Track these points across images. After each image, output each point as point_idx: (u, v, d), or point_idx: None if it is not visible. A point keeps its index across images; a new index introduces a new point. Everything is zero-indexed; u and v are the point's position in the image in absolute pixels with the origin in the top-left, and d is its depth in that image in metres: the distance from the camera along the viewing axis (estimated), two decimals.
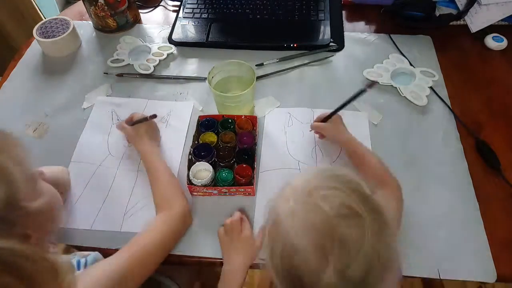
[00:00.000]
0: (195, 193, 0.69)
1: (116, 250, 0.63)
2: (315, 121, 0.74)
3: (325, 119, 0.71)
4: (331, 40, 0.93)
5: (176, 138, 0.78)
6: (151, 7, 1.07)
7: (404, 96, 0.82)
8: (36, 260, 0.39)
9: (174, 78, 0.89)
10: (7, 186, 0.44)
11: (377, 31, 0.98)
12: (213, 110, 0.81)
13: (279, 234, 0.41)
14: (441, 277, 0.60)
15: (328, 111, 0.70)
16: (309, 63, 0.91)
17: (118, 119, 0.81)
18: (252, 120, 0.76)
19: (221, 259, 0.63)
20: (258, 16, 0.99)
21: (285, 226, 0.41)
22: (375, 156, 0.66)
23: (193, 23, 0.99)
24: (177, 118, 0.81)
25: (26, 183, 0.46)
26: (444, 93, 0.83)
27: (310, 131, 0.76)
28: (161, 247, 0.60)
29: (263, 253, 0.45)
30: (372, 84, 0.63)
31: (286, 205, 0.42)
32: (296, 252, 0.39)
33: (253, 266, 0.64)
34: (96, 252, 0.58)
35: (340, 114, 0.79)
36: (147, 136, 0.72)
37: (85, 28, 1.01)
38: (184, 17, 1.00)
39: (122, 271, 0.53)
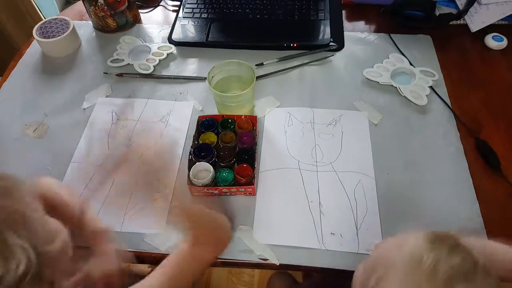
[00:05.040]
0: (196, 194, 0.69)
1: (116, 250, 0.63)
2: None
3: None
4: (331, 40, 0.93)
5: (176, 138, 0.78)
6: (151, 7, 1.07)
7: (404, 96, 0.82)
8: None
9: (174, 78, 0.89)
10: (28, 234, 0.37)
11: (377, 30, 0.98)
12: (213, 110, 0.81)
13: None
14: None
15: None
16: (309, 62, 0.90)
17: (118, 119, 0.81)
18: (252, 120, 0.76)
19: (221, 259, 0.63)
20: (258, 16, 0.99)
21: None
22: None
23: (193, 23, 0.99)
24: (177, 118, 0.81)
25: (42, 226, 0.40)
26: (444, 93, 0.83)
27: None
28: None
29: None
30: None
31: None
32: None
33: (253, 266, 0.64)
34: None
35: (340, 114, 0.80)
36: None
37: (85, 28, 1.01)
38: (184, 17, 1.00)
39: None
